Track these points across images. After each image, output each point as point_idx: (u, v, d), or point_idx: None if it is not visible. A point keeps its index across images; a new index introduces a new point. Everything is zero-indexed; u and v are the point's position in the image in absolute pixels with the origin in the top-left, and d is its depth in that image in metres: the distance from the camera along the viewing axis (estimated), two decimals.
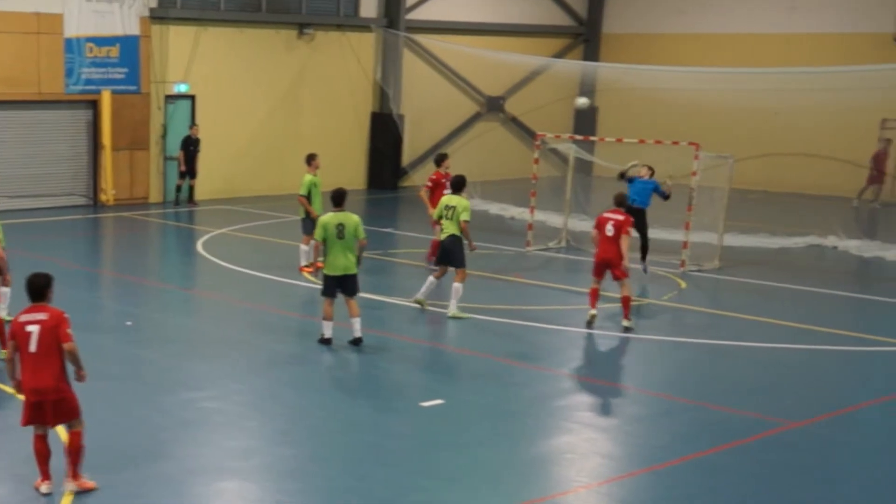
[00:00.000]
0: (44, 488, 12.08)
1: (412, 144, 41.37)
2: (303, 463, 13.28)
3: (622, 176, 25.23)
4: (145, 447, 13.58)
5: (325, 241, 18.19)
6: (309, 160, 24.55)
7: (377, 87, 40.51)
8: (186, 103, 36.10)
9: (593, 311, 20.35)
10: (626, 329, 20.14)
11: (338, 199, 18.35)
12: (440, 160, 25.43)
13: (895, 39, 38.49)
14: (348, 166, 39.54)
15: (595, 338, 19.85)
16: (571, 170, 29.47)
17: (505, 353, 18.63)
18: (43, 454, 12.16)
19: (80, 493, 12.08)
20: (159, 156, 35.61)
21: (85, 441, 12.26)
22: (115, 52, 33.93)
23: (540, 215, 30.09)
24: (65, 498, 12.00)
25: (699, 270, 25.89)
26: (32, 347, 11.99)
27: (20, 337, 12.04)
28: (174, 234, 31.43)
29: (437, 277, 21.08)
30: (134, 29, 34.19)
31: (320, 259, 18.61)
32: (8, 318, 17.31)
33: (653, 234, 25.77)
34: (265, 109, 37.80)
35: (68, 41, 33.17)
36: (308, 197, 24.08)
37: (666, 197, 24.90)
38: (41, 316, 12.06)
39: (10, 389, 14.03)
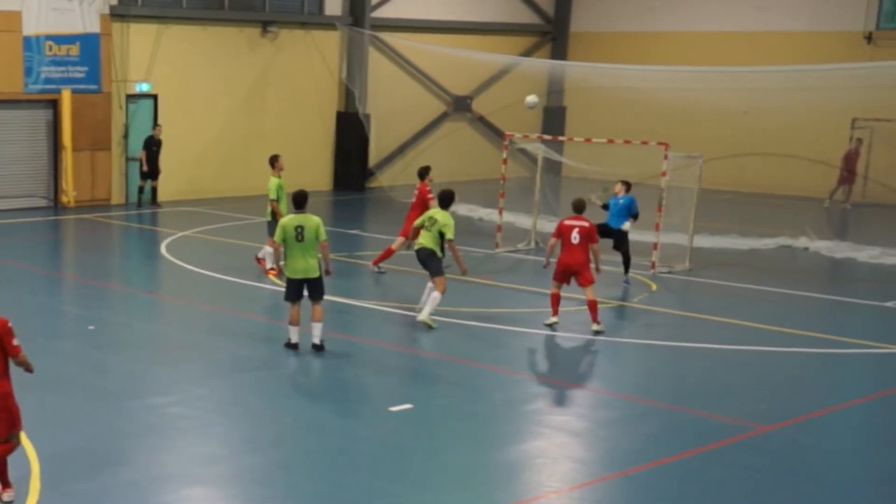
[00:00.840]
0: (5, 497, 12.00)
1: (379, 145, 41.35)
2: (269, 469, 13.24)
3: (605, 207, 25.06)
4: (108, 454, 13.51)
5: (284, 243, 18.13)
6: (272, 162, 24.49)
7: (342, 86, 40.48)
8: (148, 103, 35.98)
9: (555, 319, 20.42)
10: (597, 333, 20.19)
11: (299, 201, 18.28)
12: (424, 173, 25.35)
13: (866, 38, 38.74)
14: (314, 167, 39.50)
15: (566, 341, 19.88)
16: (540, 170, 29.53)
17: (474, 356, 18.64)
18: None
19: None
20: (121, 156, 35.49)
21: (47, 448, 12.18)
22: (75, 50, 33.78)
23: (509, 216, 30.12)
24: None
25: (669, 272, 25.98)
26: None
27: None
28: (137, 237, 31.31)
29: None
30: (94, 27, 34.05)
31: (281, 262, 18.55)
32: None
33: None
34: (229, 109, 37.72)
35: (27, 39, 33.01)
36: (276, 200, 24.13)
37: (635, 216, 24.67)
38: None
39: None
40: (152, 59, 35.49)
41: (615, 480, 13.22)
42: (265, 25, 37.92)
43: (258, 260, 25.08)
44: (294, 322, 18.40)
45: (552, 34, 46.61)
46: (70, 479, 12.63)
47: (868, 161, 38.59)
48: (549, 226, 29.56)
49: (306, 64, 39.42)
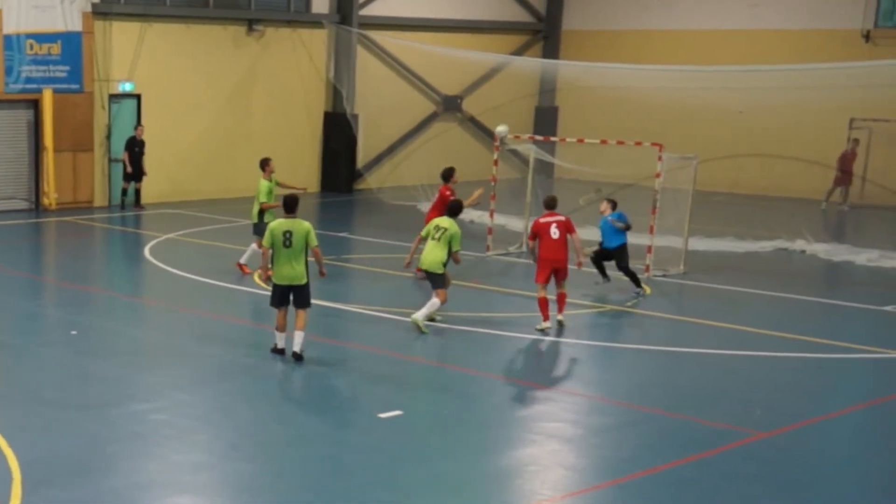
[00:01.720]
0: None
1: (367, 145, 41.32)
2: (256, 477, 13.25)
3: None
4: (91, 461, 13.52)
5: (272, 248, 18.10)
6: (262, 165, 24.55)
7: (330, 85, 40.49)
8: (131, 103, 35.96)
9: (547, 324, 20.51)
10: (560, 323, 20.61)
11: (289, 205, 18.20)
12: (448, 175, 25.28)
13: (864, 36, 38.81)
14: (301, 168, 39.44)
15: (558, 346, 19.92)
16: (532, 171, 29.56)
17: (465, 361, 18.66)
18: None
19: None
20: (104, 158, 35.47)
21: (28, 454, 12.19)
22: (56, 49, 33.77)
23: (500, 219, 30.15)
24: None
25: (664, 276, 26.01)
26: None
27: None
28: (120, 240, 31.29)
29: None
30: (76, 25, 34.03)
31: (270, 267, 18.50)
32: None
33: None
34: (214, 109, 37.71)
35: (7, 38, 32.98)
36: (267, 202, 24.20)
37: (628, 226, 24.70)
38: None
39: None
40: (135, 57, 35.47)
41: (608, 488, 13.25)
42: (251, 23, 37.90)
43: (240, 265, 25.05)
44: (280, 328, 18.38)
45: (544, 32, 46.65)
46: (51, 486, 12.63)
47: (866, 162, 38.65)
48: None
49: (293, 63, 39.41)
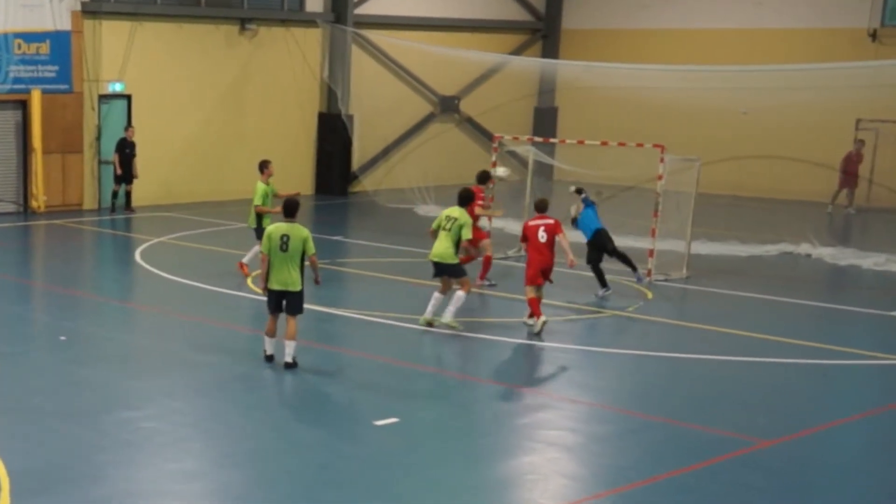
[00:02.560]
0: None
1: (362, 147, 41.35)
2: (249, 486, 13.26)
3: (575, 222, 25.49)
4: (81, 470, 13.52)
5: (269, 252, 18.08)
6: (262, 167, 24.59)
7: (324, 85, 40.50)
8: (122, 103, 35.99)
9: (545, 318, 20.62)
10: (527, 325, 20.83)
11: (289, 209, 18.13)
12: (485, 178, 25.29)
13: (870, 35, 38.84)
14: (295, 170, 39.48)
15: (558, 352, 19.92)
16: (531, 173, 29.58)
17: (463, 367, 18.68)
18: None
19: None
20: (93, 159, 35.49)
21: (16, 463, 12.19)
22: (45, 48, 33.79)
23: (498, 222, 30.16)
24: None
25: (666, 280, 26.03)
26: None
27: None
28: (110, 243, 31.30)
29: (442, 293, 21.00)
30: (65, 24, 34.06)
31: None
32: None
33: (617, 242, 25.89)
34: (206, 110, 37.73)
35: None
36: (262, 206, 24.23)
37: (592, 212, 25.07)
38: None
39: None
40: (126, 57, 35.49)
41: (609, 497, 13.24)
42: (243, 22, 37.94)
43: (241, 265, 25.10)
44: (269, 334, 18.35)
45: (543, 31, 46.71)
46: (40, 495, 12.63)
47: (873, 164, 38.67)
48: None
49: (287, 63, 39.45)
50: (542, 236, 20.75)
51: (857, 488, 13.86)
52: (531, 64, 43.74)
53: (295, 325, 18.10)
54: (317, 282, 18.50)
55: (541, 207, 21.40)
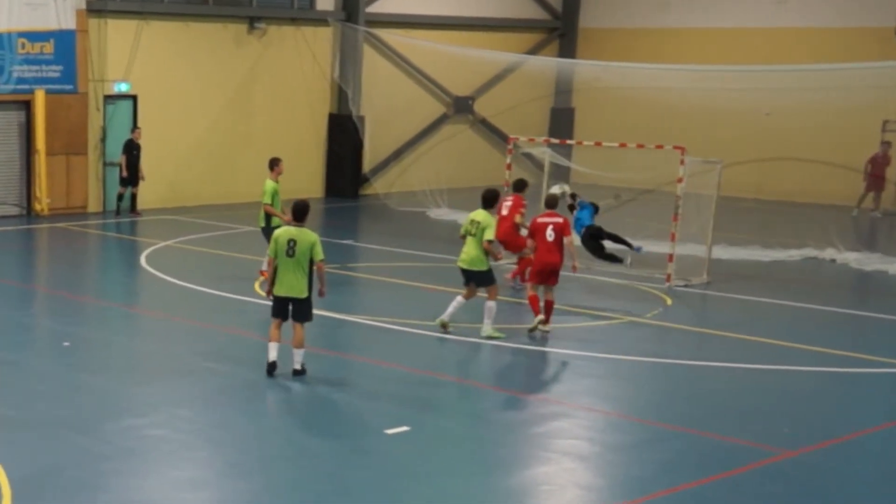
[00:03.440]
0: None
1: (373, 149, 41.33)
2: (256, 496, 13.25)
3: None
4: (84, 478, 13.52)
5: (276, 257, 18.01)
6: (272, 165, 24.52)
7: (335, 86, 40.50)
8: (127, 104, 36.02)
9: (541, 317, 20.73)
10: (544, 333, 20.77)
11: (298, 213, 17.98)
12: (523, 186, 25.32)
13: None
14: (304, 172, 39.50)
15: (573, 359, 19.90)
16: (547, 176, 29.53)
17: (477, 375, 18.66)
18: None
19: None
20: (98, 161, 35.52)
21: (18, 471, 12.19)
22: (49, 48, 33.83)
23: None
24: None
25: (686, 286, 25.98)
26: None
27: None
28: (115, 247, 31.35)
29: (466, 298, 20.98)
30: (70, 23, 34.09)
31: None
32: None
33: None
34: (213, 111, 37.75)
35: None
36: (272, 205, 24.16)
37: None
38: None
39: None
40: (132, 57, 35.53)
41: None
42: (252, 21, 37.96)
43: (262, 273, 24.99)
44: (271, 339, 18.20)
45: (560, 30, 46.67)
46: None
47: None
48: None
49: (296, 62, 39.47)
50: (549, 235, 20.77)
51: (884, 500, 13.82)
52: (547, 64, 43.72)
53: (303, 333, 18.01)
54: (321, 293, 18.18)
55: (550, 204, 21.46)
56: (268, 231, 23.75)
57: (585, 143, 30.93)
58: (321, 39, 39.92)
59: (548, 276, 20.84)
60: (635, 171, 28.47)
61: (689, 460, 14.84)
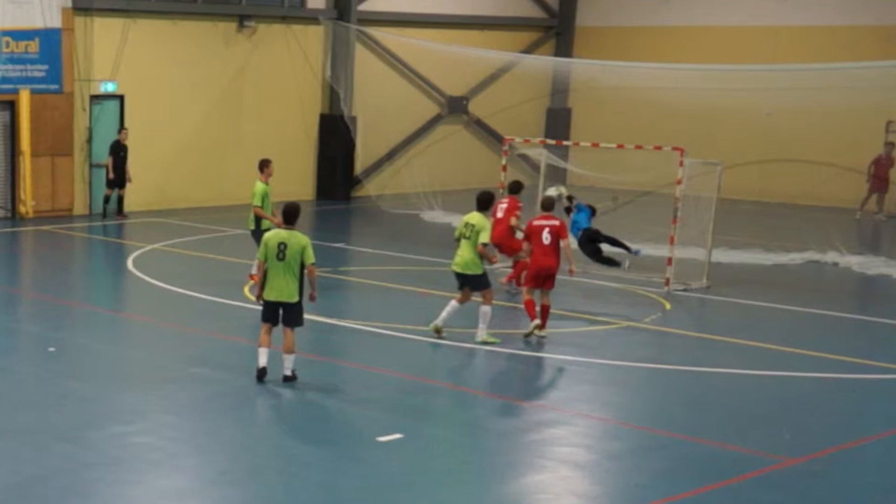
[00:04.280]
0: None
1: (366, 150, 41.32)
2: None
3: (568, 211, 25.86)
4: (69, 487, 13.51)
5: (266, 260, 17.99)
6: (261, 167, 24.50)
7: (326, 86, 40.52)
8: (114, 104, 35.98)
9: (537, 321, 20.79)
10: (540, 338, 20.74)
11: (288, 215, 17.96)
12: (519, 188, 25.39)
13: None
14: (295, 174, 39.46)
15: (570, 365, 19.90)
16: (543, 178, 29.54)
17: (471, 382, 18.66)
18: None
19: None
20: (84, 163, 35.49)
21: (2, 479, 12.18)
22: (34, 46, 33.80)
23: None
24: None
25: (685, 290, 25.99)
26: None
27: None
28: (102, 250, 31.34)
29: (460, 302, 20.99)
30: (55, 21, 34.07)
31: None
32: None
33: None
34: (202, 111, 37.74)
35: None
36: (261, 207, 24.15)
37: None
38: None
39: None
40: (118, 56, 35.51)
41: None
42: (242, 19, 37.95)
43: (252, 277, 25.02)
44: (261, 344, 18.19)
45: (556, 29, 46.72)
46: None
47: None
48: None
49: (287, 62, 39.47)
50: (546, 237, 20.77)
51: None
52: (544, 63, 43.71)
53: (293, 338, 17.99)
54: (312, 298, 18.18)
55: (547, 206, 21.47)
56: (258, 234, 23.72)
57: (582, 143, 30.92)
58: (312, 38, 39.93)
59: (544, 279, 20.86)
60: (633, 172, 28.47)
61: (687, 468, 14.85)
